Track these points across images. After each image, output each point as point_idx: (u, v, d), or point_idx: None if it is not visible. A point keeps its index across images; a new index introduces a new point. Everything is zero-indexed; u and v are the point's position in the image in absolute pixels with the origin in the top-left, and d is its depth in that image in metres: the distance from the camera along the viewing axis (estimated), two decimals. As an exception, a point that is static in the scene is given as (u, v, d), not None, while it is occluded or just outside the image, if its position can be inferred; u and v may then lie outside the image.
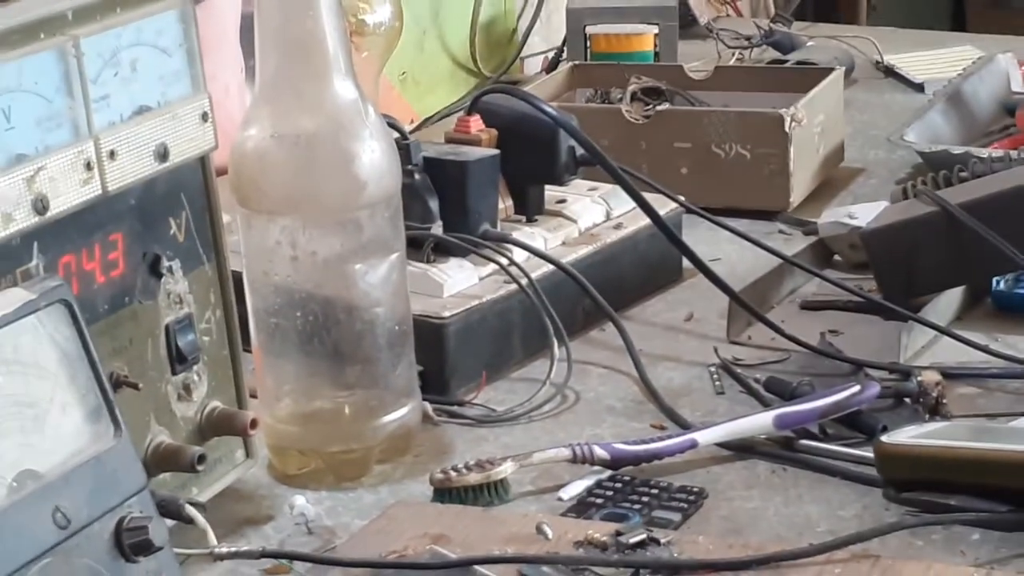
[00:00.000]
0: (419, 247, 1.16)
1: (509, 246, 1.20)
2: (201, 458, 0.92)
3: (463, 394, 1.14)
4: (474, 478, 0.98)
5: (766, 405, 1.08)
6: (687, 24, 1.98)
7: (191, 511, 0.87)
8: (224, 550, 0.88)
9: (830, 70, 1.58)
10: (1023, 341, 1.17)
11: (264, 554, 0.89)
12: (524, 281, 1.17)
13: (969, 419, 1.06)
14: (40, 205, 0.84)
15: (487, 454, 1.03)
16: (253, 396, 1.03)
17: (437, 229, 1.18)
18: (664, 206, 1.28)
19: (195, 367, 0.95)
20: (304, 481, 1.03)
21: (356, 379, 1.03)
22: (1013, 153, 1.41)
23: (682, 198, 1.31)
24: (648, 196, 1.25)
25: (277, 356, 1.02)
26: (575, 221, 1.27)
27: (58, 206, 0.85)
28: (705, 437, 1.03)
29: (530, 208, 1.26)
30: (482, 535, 0.92)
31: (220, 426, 0.97)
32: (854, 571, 0.87)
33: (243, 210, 1.01)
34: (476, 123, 1.25)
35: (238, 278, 1.01)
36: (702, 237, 1.34)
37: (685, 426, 1.07)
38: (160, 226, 0.93)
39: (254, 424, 0.97)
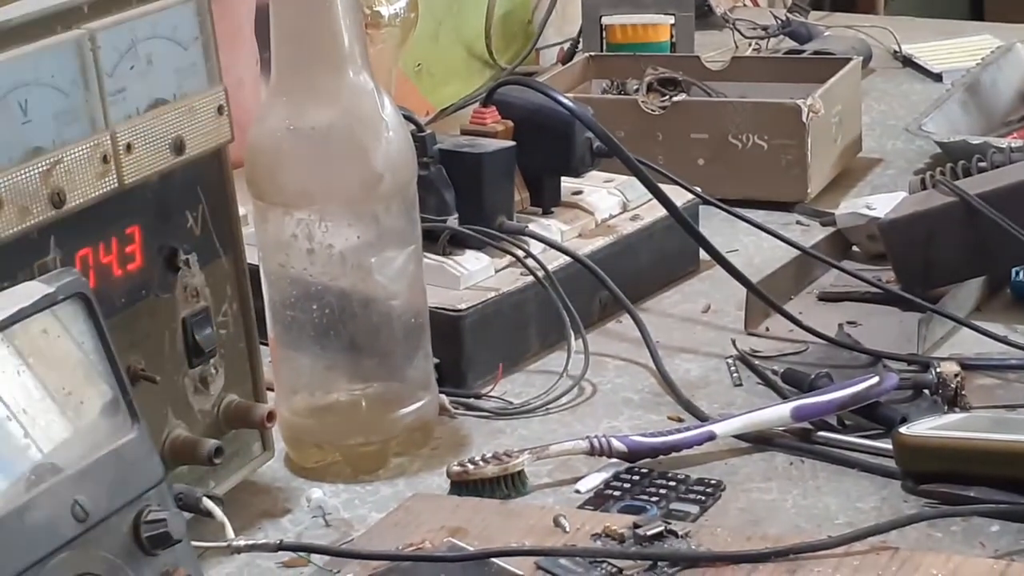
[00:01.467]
0: (435, 239, 1.16)
1: (525, 238, 1.20)
2: (218, 451, 0.92)
3: (480, 386, 1.13)
4: (491, 471, 0.98)
5: (784, 397, 1.08)
6: (703, 14, 1.97)
7: (209, 504, 0.87)
8: (242, 543, 0.88)
9: (847, 60, 1.58)
10: (1042, 332, 1.17)
11: (282, 547, 0.89)
12: (540, 273, 1.17)
13: (988, 410, 1.06)
14: (57, 198, 0.84)
15: (504, 447, 1.02)
16: (270, 389, 1.03)
17: (453, 221, 1.18)
18: (681, 197, 1.28)
19: (212, 360, 0.95)
20: (321, 474, 1.03)
21: (373, 372, 1.03)
22: (1032, 143, 1.40)
23: (699, 189, 1.31)
24: (665, 187, 1.24)
25: (294, 349, 1.02)
26: (591, 213, 1.27)
27: (75, 199, 0.85)
28: (723, 429, 1.03)
29: (546, 200, 1.26)
30: (500, 528, 0.92)
31: (237, 419, 0.97)
32: (873, 563, 0.86)
33: (259, 203, 1.01)
34: (492, 115, 1.25)
35: (254, 271, 1.01)
36: (719, 228, 1.34)
37: (703, 418, 1.07)
38: (177, 219, 0.93)
39: (271, 417, 0.97)
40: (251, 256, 1.00)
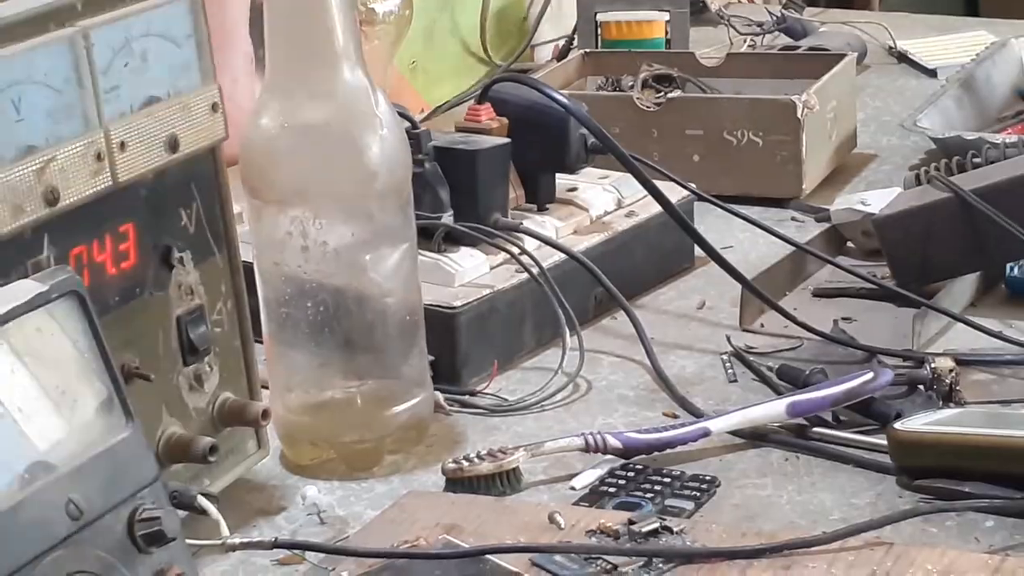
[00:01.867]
0: (430, 237, 1.16)
1: (520, 235, 1.20)
2: (213, 449, 0.92)
3: (475, 384, 1.13)
4: (486, 468, 0.98)
5: (779, 393, 1.08)
6: (698, 10, 1.97)
7: (203, 502, 0.87)
8: (236, 541, 0.88)
9: (842, 56, 1.58)
10: (1037, 327, 1.17)
11: (277, 544, 0.89)
12: (535, 270, 1.17)
13: (983, 406, 1.06)
14: (51, 196, 0.84)
15: (499, 443, 1.02)
16: (265, 387, 1.03)
17: (448, 219, 1.18)
18: (676, 193, 1.28)
19: (207, 358, 0.95)
20: (316, 471, 1.03)
21: (367, 369, 1.03)
22: (1026, 138, 1.40)
23: (694, 185, 1.31)
24: (660, 184, 1.24)
25: (288, 346, 1.02)
26: (586, 209, 1.27)
27: (69, 197, 0.85)
28: (718, 425, 1.03)
29: (541, 197, 1.26)
30: (495, 525, 0.92)
31: (232, 417, 0.97)
32: (867, 558, 0.86)
33: (253, 200, 1.01)
34: (487, 112, 1.25)
35: (249, 268, 1.01)
36: (714, 224, 1.34)
37: (697, 414, 1.07)
38: (171, 217, 0.93)
39: (266, 415, 0.97)
40: (245, 254, 1.00)
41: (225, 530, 0.87)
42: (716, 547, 0.88)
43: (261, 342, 1.02)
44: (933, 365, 1.07)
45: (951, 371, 1.06)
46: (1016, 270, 1.23)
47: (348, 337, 1.01)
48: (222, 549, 0.88)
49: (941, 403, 1.05)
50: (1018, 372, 1.10)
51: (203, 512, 0.87)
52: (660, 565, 0.87)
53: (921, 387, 1.07)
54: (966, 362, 1.10)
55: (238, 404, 0.97)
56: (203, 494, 0.88)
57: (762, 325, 1.21)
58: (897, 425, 0.98)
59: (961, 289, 1.21)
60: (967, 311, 1.20)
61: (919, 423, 0.98)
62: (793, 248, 1.27)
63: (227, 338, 0.97)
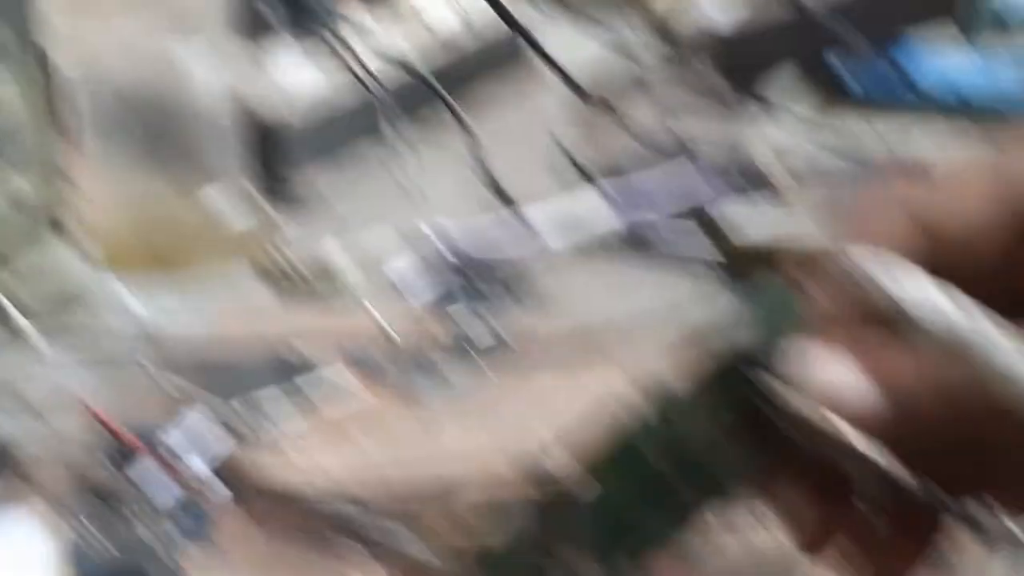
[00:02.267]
0: (257, 39, 1.13)
1: (353, 44, 1.17)
2: (20, 254, 0.89)
3: (302, 192, 1.11)
4: (309, 270, 0.97)
5: (610, 200, 1.07)
6: None
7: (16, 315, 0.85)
8: (53, 354, 0.86)
9: None
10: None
11: (97, 356, 0.87)
12: (367, 79, 1.14)
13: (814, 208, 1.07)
14: None
15: (327, 249, 1.01)
16: (78, 192, 1.00)
17: (276, 20, 1.14)
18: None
19: (15, 163, 0.92)
20: (133, 276, 1.00)
21: (185, 173, 1.01)
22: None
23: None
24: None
25: (102, 150, 0.99)
26: (424, 19, 1.25)
27: None
28: (550, 235, 1.02)
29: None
30: (323, 334, 0.91)
31: (47, 222, 0.94)
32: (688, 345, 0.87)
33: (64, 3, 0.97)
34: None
35: (59, 71, 0.97)
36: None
37: (527, 221, 1.06)
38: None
39: (77, 218, 0.94)
40: (58, 58, 0.97)
41: (38, 343, 0.85)
42: (543, 346, 0.88)
43: (75, 146, 0.99)
44: (763, 171, 1.07)
45: (775, 167, 1.06)
46: (843, 68, 1.22)
47: (165, 141, 0.99)
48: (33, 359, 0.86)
49: (769, 208, 1.06)
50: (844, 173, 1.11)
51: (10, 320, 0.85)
52: (488, 371, 0.87)
53: (751, 190, 1.07)
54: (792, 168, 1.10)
55: (47, 207, 0.94)
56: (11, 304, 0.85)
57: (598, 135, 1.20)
58: (727, 231, 0.99)
59: (785, 86, 1.22)
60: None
61: (749, 227, 0.99)
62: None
63: (37, 143, 0.94)
